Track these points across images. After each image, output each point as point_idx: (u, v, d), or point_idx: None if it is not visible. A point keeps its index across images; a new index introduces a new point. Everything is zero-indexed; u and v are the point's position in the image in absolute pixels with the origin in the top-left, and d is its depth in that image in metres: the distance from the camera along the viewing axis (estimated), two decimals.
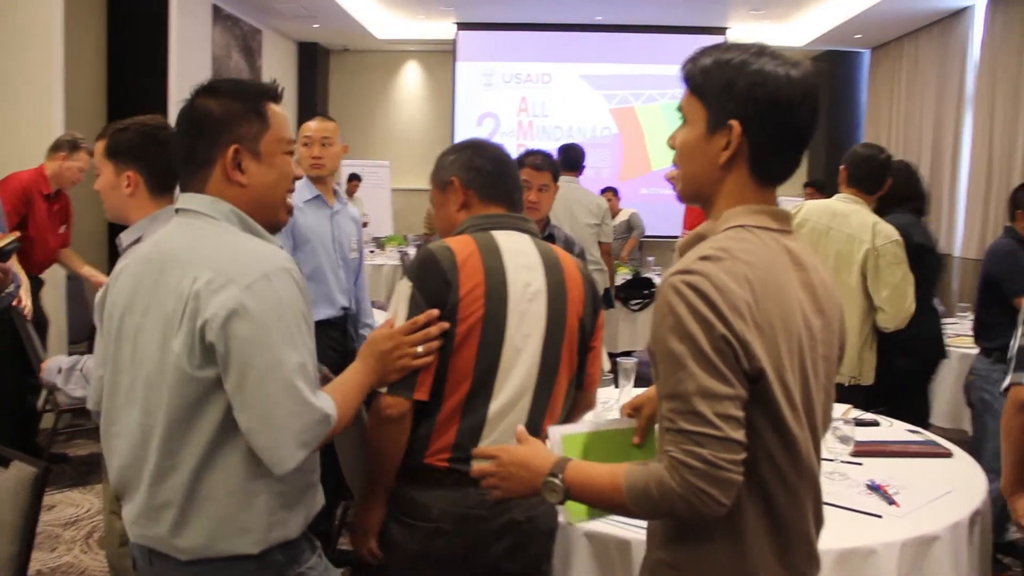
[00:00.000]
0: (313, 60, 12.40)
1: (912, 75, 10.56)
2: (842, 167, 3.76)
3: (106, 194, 2.38)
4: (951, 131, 9.48)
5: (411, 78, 13.00)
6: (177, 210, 1.68)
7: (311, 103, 12.25)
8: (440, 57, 12.45)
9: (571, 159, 5.47)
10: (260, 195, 1.66)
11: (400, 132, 12.78)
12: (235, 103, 1.65)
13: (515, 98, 11.91)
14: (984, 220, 8.45)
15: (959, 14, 9.42)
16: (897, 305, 3.54)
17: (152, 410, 1.58)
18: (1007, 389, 2.54)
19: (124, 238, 2.35)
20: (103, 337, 1.72)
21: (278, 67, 11.49)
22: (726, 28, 11.50)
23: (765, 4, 10.24)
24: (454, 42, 11.86)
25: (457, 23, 11.65)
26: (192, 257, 1.57)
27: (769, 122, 1.38)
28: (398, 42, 12.27)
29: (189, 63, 8.49)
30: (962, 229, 9.14)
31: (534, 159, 3.47)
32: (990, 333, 3.94)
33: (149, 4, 7.55)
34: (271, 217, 1.70)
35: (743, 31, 11.55)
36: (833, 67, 12.30)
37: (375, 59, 12.82)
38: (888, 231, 3.57)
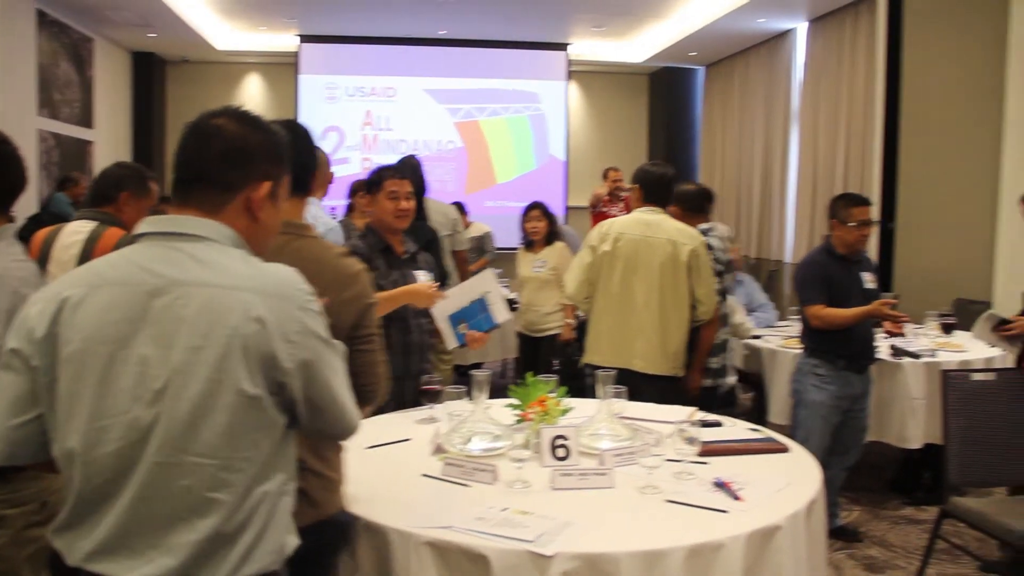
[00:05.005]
0: (149, 71, 11.94)
1: (743, 91, 11.11)
2: (636, 186, 4.12)
3: None
4: (779, 145, 10.02)
5: (253, 90, 12.70)
6: (151, 233, 1.58)
7: (147, 116, 11.82)
8: (283, 69, 12.23)
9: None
10: (264, 234, 1.69)
11: None
12: (276, 143, 1.67)
13: (359, 112, 11.81)
14: (811, 228, 8.97)
15: (784, 35, 9.99)
16: (712, 298, 4.01)
17: (189, 445, 1.47)
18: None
19: None
20: (49, 377, 1.53)
21: (111, 78, 11.01)
22: (568, 44, 11.79)
23: (606, 21, 10.54)
24: (297, 54, 11.67)
25: (300, 35, 11.47)
26: (222, 279, 1.51)
27: None
28: (239, 53, 11.98)
29: (13, 72, 8.05)
30: (792, 237, 9.67)
31: (390, 171, 3.52)
32: (804, 332, 4.29)
33: None
34: (261, 256, 1.69)
35: (584, 47, 11.86)
36: (670, 83, 12.80)
37: (215, 71, 12.47)
38: (695, 232, 4.04)
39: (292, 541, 1.63)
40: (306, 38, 11.55)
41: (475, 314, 3.31)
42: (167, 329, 1.48)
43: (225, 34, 11.25)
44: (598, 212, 8.55)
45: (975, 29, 6.31)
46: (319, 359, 1.58)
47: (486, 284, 3.40)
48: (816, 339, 4.15)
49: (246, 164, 1.62)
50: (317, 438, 1.71)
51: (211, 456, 1.48)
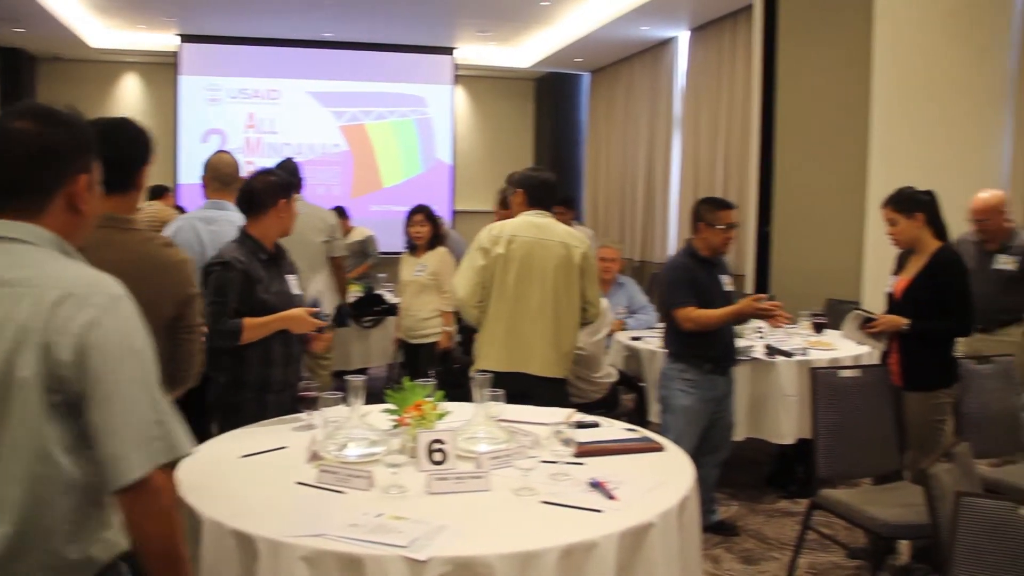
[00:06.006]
0: (17, 68, 11.41)
1: (628, 97, 11.31)
2: (521, 191, 4.07)
3: None
4: (662, 150, 10.25)
5: (131, 91, 12.30)
6: None
7: None
8: (162, 70, 11.87)
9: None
10: (87, 224, 1.70)
11: None
12: (83, 134, 1.66)
13: (242, 114, 11.57)
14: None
15: (666, 43, 10.22)
16: (600, 300, 4.06)
17: None
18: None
19: None
20: None
21: None
22: (453, 48, 11.80)
23: (491, 26, 10.59)
24: (177, 54, 11.35)
25: (180, 35, 11.17)
26: (24, 277, 1.53)
27: None
28: (115, 52, 11.57)
29: None
30: (674, 240, 9.90)
31: (288, 176, 3.56)
32: (669, 337, 4.31)
33: None
34: (83, 244, 1.71)
35: (470, 52, 11.89)
36: (556, 88, 12.94)
37: (90, 69, 12.01)
38: (583, 236, 4.06)
39: (101, 555, 1.61)
40: (187, 38, 11.25)
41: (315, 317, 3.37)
42: None
43: (100, 32, 10.85)
44: None
45: (843, 42, 6.56)
46: (105, 360, 1.52)
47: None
48: (682, 343, 4.17)
49: (56, 164, 1.62)
50: (123, 474, 1.52)
51: (10, 448, 1.51)
